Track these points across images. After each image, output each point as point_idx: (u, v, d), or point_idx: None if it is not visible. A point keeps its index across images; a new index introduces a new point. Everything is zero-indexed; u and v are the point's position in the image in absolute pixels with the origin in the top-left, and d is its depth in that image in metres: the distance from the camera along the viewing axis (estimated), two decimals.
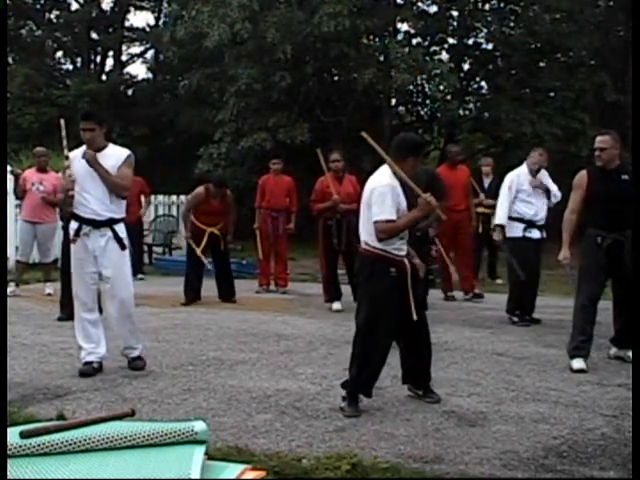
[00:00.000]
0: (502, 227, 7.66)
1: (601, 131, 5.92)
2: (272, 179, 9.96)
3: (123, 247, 5.48)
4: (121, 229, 5.50)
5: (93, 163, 5.33)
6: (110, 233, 5.41)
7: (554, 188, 7.73)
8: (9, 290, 9.16)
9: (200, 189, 9.06)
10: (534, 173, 7.66)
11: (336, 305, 8.39)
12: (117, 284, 5.44)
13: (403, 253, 4.57)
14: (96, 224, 5.38)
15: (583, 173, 5.84)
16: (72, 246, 5.45)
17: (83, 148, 5.44)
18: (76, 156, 5.45)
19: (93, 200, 5.37)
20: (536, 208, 7.58)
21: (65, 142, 5.39)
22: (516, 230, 7.60)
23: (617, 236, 5.64)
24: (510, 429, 4.19)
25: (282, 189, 9.87)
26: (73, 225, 5.44)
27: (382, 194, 4.44)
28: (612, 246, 5.63)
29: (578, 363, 5.58)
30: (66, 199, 5.38)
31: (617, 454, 3.81)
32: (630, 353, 5.82)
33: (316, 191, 8.56)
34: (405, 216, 4.48)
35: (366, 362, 4.57)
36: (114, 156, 5.47)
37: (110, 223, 5.42)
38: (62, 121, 5.41)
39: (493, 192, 9.31)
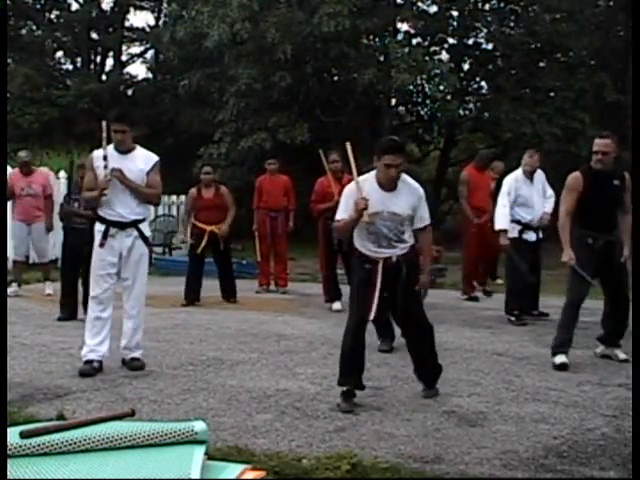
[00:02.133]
0: (505, 232, 7.65)
1: (602, 134, 5.90)
2: (268, 179, 9.97)
3: (148, 245, 5.60)
4: (146, 228, 5.60)
5: (123, 181, 5.37)
6: (136, 233, 5.47)
7: (549, 192, 7.78)
8: (11, 290, 9.17)
9: (192, 189, 9.25)
10: (529, 175, 7.70)
11: (336, 305, 8.38)
12: (135, 283, 5.51)
13: (379, 255, 4.63)
14: (122, 225, 5.44)
15: (577, 175, 5.84)
16: (96, 247, 5.47)
17: (109, 148, 5.47)
18: (99, 156, 5.47)
19: (118, 203, 5.41)
20: (533, 212, 7.64)
21: (104, 143, 5.43)
22: (512, 231, 7.67)
23: (608, 237, 5.74)
24: (510, 429, 4.19)
25: (279, 189, 9.87)
26: (99, 227, 5.48)
27: (342, 196, 4.77)
28: (603, 247, 5.71)
29: (560, 358, 5.65)
30: (99, 197, 5.40)
31: (617, 454, 3.81)
32: (618, 351, 5.91)
33: (316, 192, 8.56)
34: (348, 217, 4.63)
35: (341, 350, 4.72)
36: (142, 159, 5.51)
37: (135, 223, 5.48)
38: (104, 123, 5.42)
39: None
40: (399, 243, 4.65)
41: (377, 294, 4.56)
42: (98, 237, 5.47)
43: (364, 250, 4.68)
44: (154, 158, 5.56)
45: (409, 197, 4.65)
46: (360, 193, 4.55)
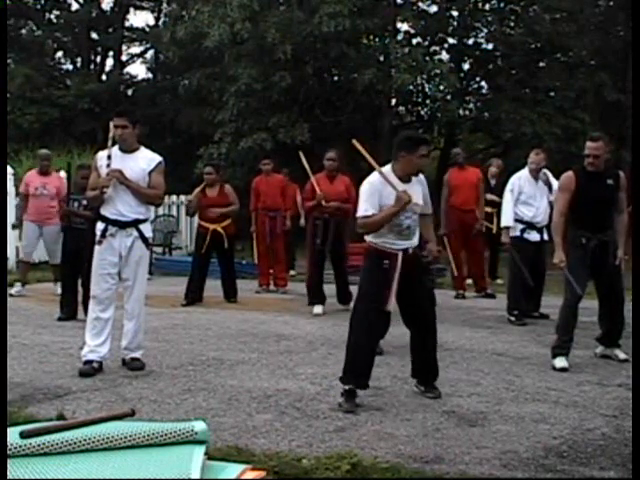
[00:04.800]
0: (508, 229, 7.77)
1: (593, 136, 5.91)
2: (264, 180, 9.95)
3: (148, 246, 5.57)
4: (147, 229, 5.57)
5: (123, 181, 5.37)
6: (136, 233, 5.46)
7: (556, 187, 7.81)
8: (15, 290, 9.16)
9: (197, 188, 9.23)
10: (535, 174, 7.75)
11: (317, 309, 8.18)
12: (135, 283, 5.51)
13: (398, 247, 4.63)
14: (121, 224, 5.43)
15: (570, 175, 5.86)
16: (97, 247, 5.48)
17: (114, 149, 5.48)
18: (105, 156, 5.48)
19: (120, 202, 5.41)
20: (535, 210, 7.67)
21: (109, 143, 5.47)
22: (514, 230, 7.71)
23: (602, 237, 5.73)
24: (510, 429, 4.19)
25: (276, 188, 9.86)
26: (100, 226, 5.48)
27: (364, 191, 4.67)
28: (597, 246, 5.71)
29: (561, 362, 5.65)
30: (99, 195, 5.41)
31: (617, 454, 3.81)
32: (618, 351, 5.91)
33: (307, 190, 8.49)
34: (383, 211, 4.59)
35: (352, 349, 4.68)
36: (145, 160, 5.50)
37: (136, 223, 5.46)
38: (111, 124, 5.46)
39: (498, 194, 9.41)
40: (414, 234, 4.72)
41: (395, 287, 4.55)
42: (98, 235, 5.48)
43: (383, 244, 4.64)
44: (157, 159, 5.56)
45: (420, 186, 4.76)
46: (392, 186, 4.55)
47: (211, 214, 8.88)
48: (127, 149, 5.48)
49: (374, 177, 4.68)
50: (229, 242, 9.01)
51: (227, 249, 9.04)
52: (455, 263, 9.57)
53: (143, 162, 5.48)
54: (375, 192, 4.60)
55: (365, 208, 4.61)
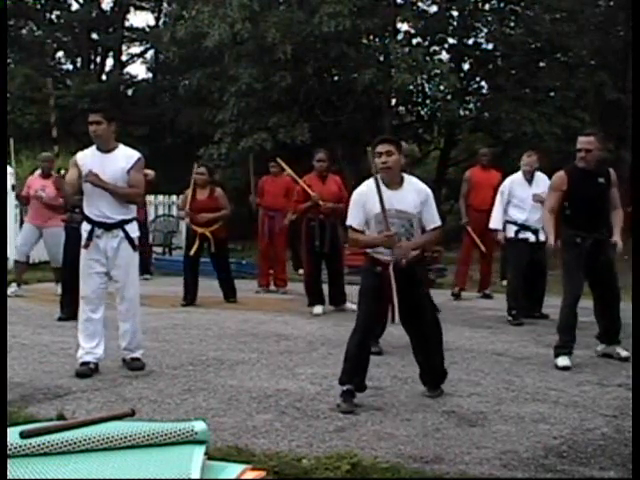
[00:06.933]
0: (496, 231, 7.97)
1: (585, 132, 5.95)
2: (270, 180, 9.99)
3: (134, 247, 5.51)
4: (133, 229, 5.52)
5: (98, 184, 5.32)
6: (122, 234, 5.43)
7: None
8: (10, 290, 9.16)
9: (187, 189, 9.09)
10: (528, 176, 7.76)
11: (316, 309, 8.19)
12: (126, 284, 5.48)
13: (390, 257, 4.63)
14: (107, 226, 5.40)
15: (562, 174, 5.89)
16: (82, 247, 5.46)
17: (92, 148, 5.46)
18: (86, 155, 5.47)
19: (104, 203, 5.38)
20: (527, 213, 7.74)
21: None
22: (509, 232, 7.84)
23: (597, 235, 5.75)
24: (510, 429, 4.19)
25: (280, 189, 9.85)
26: (85, 227, 5.46)
27: (352, 201, 4.80)
28: (592, 245, 5.73)
29: (563, 360, 5.65)
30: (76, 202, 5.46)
31: (617, 454, 3.81)
32: (619, 349, 5.91)
33: (298, 191, 8.46)
34: (369, 236, 4.68)
35: (346, 349, 4.71)
36: (124, 158, 5.45)
37: (121, 224, 5.43)
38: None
39: None
40: None
41: (396, 297, 4.56)
42: (84, 237, 5.45)
43: (374, 252, 4.69)
44: (136, 155, 5.48)
45: (415, 196, 4.69)
46: (385, 224, 4.54)
47: (200, 219, 8.81)
48: (105, 148, 5.41)
49: (362, 187, 4.75)
50: (217, 246, 8.88)
51: (214, 253, 8.96)
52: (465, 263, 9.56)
53: (122, 160, 5.41)
54: (359, 203, 4.68)
55: (350, 219, 4.74)
